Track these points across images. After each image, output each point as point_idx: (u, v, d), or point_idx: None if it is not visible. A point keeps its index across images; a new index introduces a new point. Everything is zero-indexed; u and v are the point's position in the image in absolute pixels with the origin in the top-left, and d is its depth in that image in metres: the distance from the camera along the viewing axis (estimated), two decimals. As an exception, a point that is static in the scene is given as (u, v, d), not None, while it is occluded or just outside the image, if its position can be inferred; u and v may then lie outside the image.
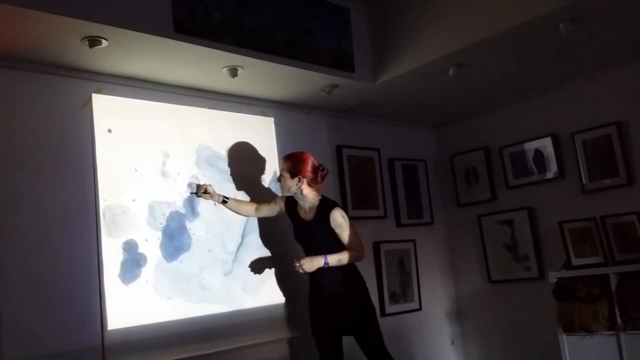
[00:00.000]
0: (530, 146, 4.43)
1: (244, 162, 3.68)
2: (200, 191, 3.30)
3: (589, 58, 3.78)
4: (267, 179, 3.78)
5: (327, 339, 3.25)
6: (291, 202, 3.34)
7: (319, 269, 3.14)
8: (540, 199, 4.40)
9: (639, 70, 3.87)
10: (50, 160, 2.92)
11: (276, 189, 3.76)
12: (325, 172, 3.31)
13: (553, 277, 3.89)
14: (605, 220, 3.80)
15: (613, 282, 3.64)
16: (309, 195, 3.24)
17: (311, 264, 3.13)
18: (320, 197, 3.27)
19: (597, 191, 4.06)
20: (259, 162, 3.76)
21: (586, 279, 3.74)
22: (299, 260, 3.16)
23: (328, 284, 3.19)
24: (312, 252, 3.20)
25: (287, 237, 3.47)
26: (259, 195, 3.65)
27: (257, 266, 3.57)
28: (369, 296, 3.31)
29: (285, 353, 3.60)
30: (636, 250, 3.67)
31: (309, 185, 3.24)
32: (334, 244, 3.20)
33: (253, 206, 3.51)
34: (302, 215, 3.29)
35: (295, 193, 3.24)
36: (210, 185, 3.33)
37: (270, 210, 3.49)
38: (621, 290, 3.62)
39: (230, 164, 3.61)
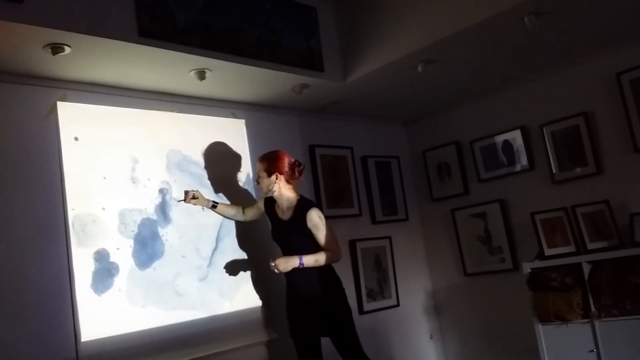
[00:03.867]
0: (500, 139, 4.48)
1: (220, 163, 3.66)
2: (188, 197, 3.29)
3: (554, 50, 3.82)
4: (241, 180, 3.75)
5: (305, 340, 3.24)
6: (269, 202, 3.33)
7: (296, 270, 3.13)
8: (512, 191, 4.45)
9: (605, 60, 3.93)
10: (16, 171, 2.85)
11: (252, 189, 3.74)
12: (301, 167, 3.30)
13: (527, 267, 3.93)
14: (576, 210, 3.85)
15: (586, 270, 3.69)
16: (286, 194, 3.23)
17: (286, 264, 3.12)
18: (298, 197, 3.26)
19: (567, 181, 4.12)
20: (236, 163, 3.75)
21: (559, 268, 3.78)
22: (274, 260, 3.14)
23: (304, 285, 3.18)
24: (288, 252, 3.19)
25: (263, 239, 3.47)
26: (237, 196, 3.64)
27: (232, 268, 3.54)
28: (345, 297, 3.29)
29: (264, 356, 3.57)
30: (607, 238, 3.73)
31: (287, 182, 3.23)
32: (310, 245, 3.18)
33: (240, 209, 3.53)
34: (280, 215, 3.28)
35: (274, 192, 3.23)
36: (197, 191, 3.34)
37: (254, 213, 3.51)
38: (594, 279, 3.67)
39: (207, 166, 3.58)
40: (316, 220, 3.19)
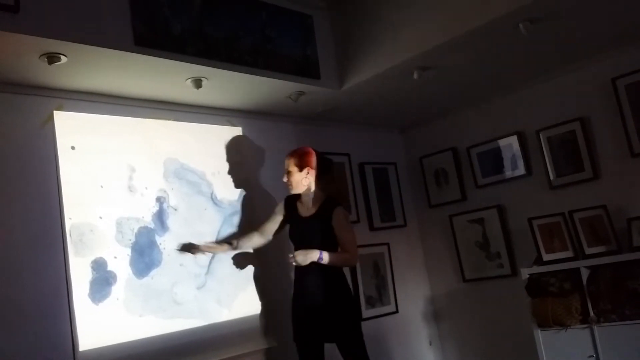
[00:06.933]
0: (497, 145, 4.49)
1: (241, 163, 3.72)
2: (197, 252, 3.25)
3: (550, 56, 3.83)
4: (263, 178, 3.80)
5: (310, 345, 3.20)
6: (290, 201, 3.34)
7: (308, 271, 3.10)
8: (509, 197, 4.45)
9: (600, 66, 3.94)
10: (13, 181, 2.85)
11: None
12: (331, 162, 3.34)
13: (525, 273, 3.92)
14: (574, 215, 3.85)
15: (584, 275, 3.68)
16: (315, 190, 3.25)
17: (305, 256, 3.09)
18: (326, 195, 3.29)
19: (564, 186, 4.13)
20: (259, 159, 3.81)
21: (557, 273, 3.78)
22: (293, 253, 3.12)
23: (315, 288, 3.14)
24: (306, 249, 3.14)
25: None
26: (259, 194, 3.70)
27: (240, 262, 3.53)
28: (354, 304, 3.29)
29: (263, 364, 3.57)
30: (605, 243, 3.73)
31: (316, 178, 3.25)
32: (330, 244, 3.17)
33: (257, 234, 3.44)
34: (302, 212, 3.27)
35: (305, 187, 3.23)
36: (204, 244, 3.31)
37: (273, 225, 3.42)
38: (592, 284, 3.66)
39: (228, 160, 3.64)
40: (342, 218, 3.19)
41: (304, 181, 3.23)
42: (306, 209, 3.27)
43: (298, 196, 3.31)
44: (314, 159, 3.26)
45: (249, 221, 3.65)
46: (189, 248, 3.28)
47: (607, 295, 3.59)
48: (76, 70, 2.85)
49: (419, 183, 4.99)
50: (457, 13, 3.20)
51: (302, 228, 3.25)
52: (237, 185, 3.68)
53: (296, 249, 3.20)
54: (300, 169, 3.23)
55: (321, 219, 3.19)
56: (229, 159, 3.70)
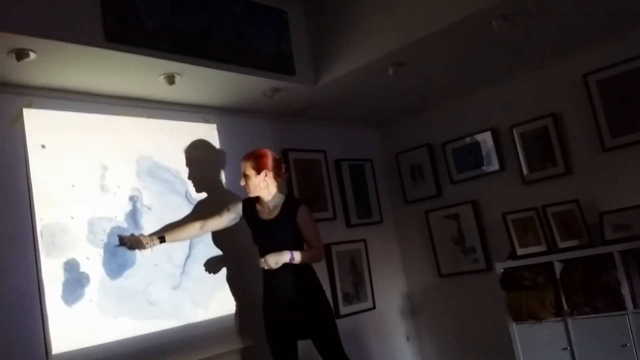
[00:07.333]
0: (472, 141, 4.52)
1: (202, 163, 3.64)
2: (130, 243, 3.12)
3: (523, 53, 3.87)
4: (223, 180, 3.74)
5: (284, 345, 3.18)
6: (249, 205, 3.28)
7: (278, 271, 3.07)
8: (484, 192, 4.49)
9: (572, 62, 3.99)
10: (-20, 181, 2.78)
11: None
12: (286, 164, 3.32)
13: (500, 267, 3.97)
14: (547, 210, 3.90)
15: (557, 269, 3.74)
16: (275, 191, 3.21)
17: (277, 258, 3.04)
18: (286, 194, 3.27)
19: (537, 181, 4.18)
20: (219, 161, 3.74)
21: (531, 267, 3.83)
22: (263, 257, 3.07)
23: (287, 286, 3.12)
24: (275, 251, 3.08)
25: (241, 235, 3.39)
26: (220, 196, 3.61)
27: (213, 266, 3.50)
28: (326, 298, 3.28)
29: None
30: (577, 237, 3.79)
31: (275, 179, 3.21)
32: (298, 243, 3.15)
33: (197, 225, 3.30)
34: (264, 215, 3.23)
35: (264, 189, 3.19)
36: (139, 235, 3.17)
37: (221, 221, 3.32)
38: (565, 277, 3.72)
39: (188, 166, 3.57)
40: (307, 215, 3.18)
41: (261, 184, 3.18)
42: (267, 212, 3.22)
43: (256, 199, 3.25)
44: (270, 161, 3.21)
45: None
46: (126, 240, 3.13)
47: (580, 288, 3.65)
48: (46, 66, 2.78)
49: (395, 179, 5.01)
50: (431, 10, 3.21)
51: (268, 231, 3.20)
52: (200, 188, 3.60)
53: (263, 252, 3.13)
54: (258, 172, 3.17)
55: (287, 220, 3.16)
56: (195, 160, 3.63)
